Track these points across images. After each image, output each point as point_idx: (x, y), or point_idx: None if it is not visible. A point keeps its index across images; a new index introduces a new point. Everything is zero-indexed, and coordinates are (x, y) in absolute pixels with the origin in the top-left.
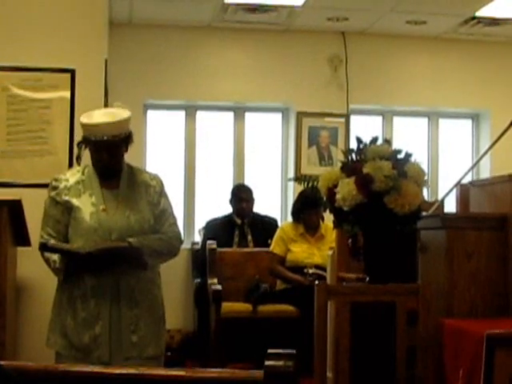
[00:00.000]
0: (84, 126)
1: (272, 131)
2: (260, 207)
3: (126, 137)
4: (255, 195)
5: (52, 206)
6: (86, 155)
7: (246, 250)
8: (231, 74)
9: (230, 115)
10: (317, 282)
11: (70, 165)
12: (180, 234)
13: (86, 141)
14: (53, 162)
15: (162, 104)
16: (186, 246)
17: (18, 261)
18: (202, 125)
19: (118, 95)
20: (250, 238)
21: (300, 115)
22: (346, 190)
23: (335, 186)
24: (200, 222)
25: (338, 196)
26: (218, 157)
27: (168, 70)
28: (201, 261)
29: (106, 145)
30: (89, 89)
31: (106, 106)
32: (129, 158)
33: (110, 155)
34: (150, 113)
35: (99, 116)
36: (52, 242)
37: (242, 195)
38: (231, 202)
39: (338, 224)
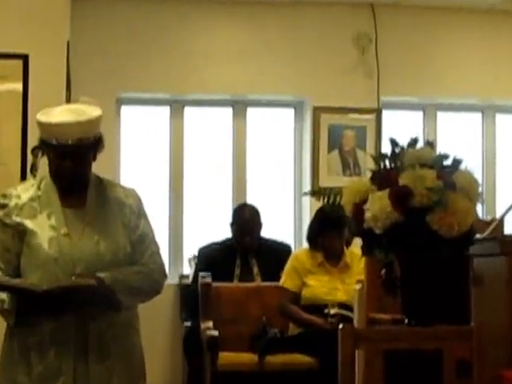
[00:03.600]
0: (42, 125)
1: (282, 132)
2: (268, 230)
3: (95, 141)
4: (261, 215)
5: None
6: (44, 164)
7: (250, 284)
8: (228, 60)
9: (228, 112)
10: (341, 326)
11: (23, 177)
12: (164, 265)
13: (43, 145)
14: (1, 173)
15: (140, 98)
16: (172, 280)
17: None
18: (192, 124)
19: (83, 87)
20: (255, 269)
21: (317, 111)
22: (378, 206)
23: (364, 201)
24: (190, 249)
25: (368, 214)
26: (213, 165)
27: (147, 54)
28: (192, 299)
29: (69, 151)
30: (46, 79)
31: (68, 101)
32: (98, 167)
33: (75, 164)
34: (125, 109)
35: (61, 114)
36: (0, 276)
37: (245, 225)
38: (232, 226)
39: (367, 250)
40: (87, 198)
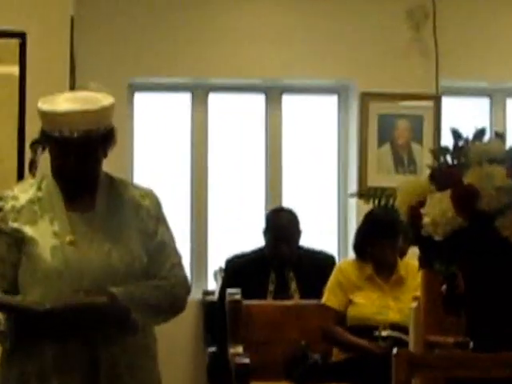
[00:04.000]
0: (44, 115)
1: (323, 123)
2: (307, 238)
3: (105, 134)
4: (301, 221)
5: None
6: (45, 160)
7: (286, 302)
8: (260, 39)
9: (260, 98)
10: (394, 350)
11: (20, 176)
12: (187, 279)
13: (45, 139)
14: None
15: (157, 83)
16: (194, 296)
17: None
18: (217, 114)
19: (89, 71)
20: (293, 284)
21: (365, 98)
22: (438, 209)
23: (421, 203)
24: (216, 261)
25: (427, 219)
26: (243, 162)
27: (165, 32)
28: (218, 319)
29: (75, 145)
30: (47, 62)
31: (72, 87)
32: (107, 165)
33: (82, 161)
34: (139, 97)
35: (67, 102)
36: None
37: (281, 233)
38: (266, 234)
39: (425, 261)
40: (96, 200)
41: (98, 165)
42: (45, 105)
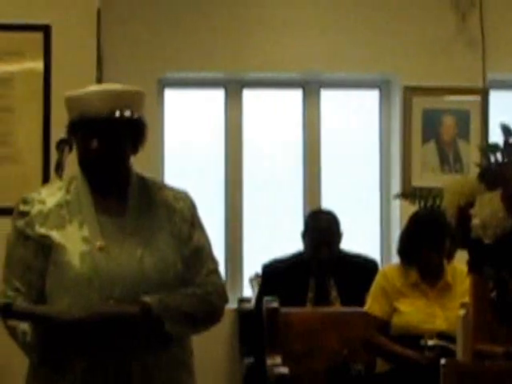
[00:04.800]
0: (68, 100)
1: (364, 119)
2: (348, 242)
3: (132, 122)
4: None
5: (19, 243)
6: (72, 162)
7: (327, 310)
8: (297, 31)
9: (297, 94)
10: (442, 361)
11: (46, 178)
12: (224, 286)
13: (71, 129)
14: (17, 173)
15: (188, 79)
16: (229, 305)
17: None
18: (252, 110)
19: (117, 66)
20: (333, 291)
21: (408, 92)
22: (488, 210)
23: (470, 204)
24: (252, 267)
25: (476, 221)
26: (279, 160)
27: (197, 25)
28: (254, 329)
29: (100, 126)
30: (73, 56)
31: (99, 82)
32: (138, 164)
33: (110, 145)
34: (169, 93)
35: (93, 87)
36: (20, 302)
37: (321, 236)
38: (304, 238)
39: (474, 266)
40: (128, 203)
41: (125, 156)
42: (70, 93)
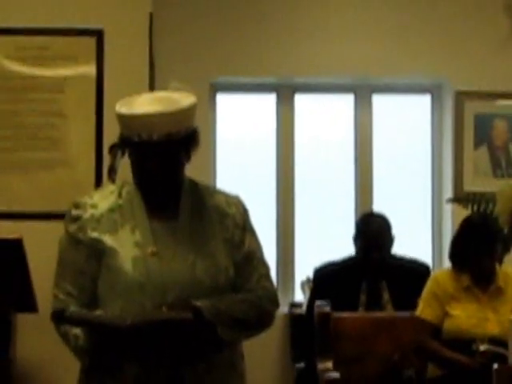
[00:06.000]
0: (122, 118)
1: (415, 123)
2: (400, 246)
3: (188, 136)
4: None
5: (71, 247)
6: (125, 166)
7: (379, 314)
8: (349, 36)
9: (348, 99)
10: (494, 366)
11: (98, 182)
12: (275, 291)
13: (124, 143)
14: (70, 177)
15: (240, 83)
16: (280, 309)
17: (16, 336)
18: (304, 115)
19: (169, 71)
20: (385, 295)
21: (460, 97)
22: None
23: None
24: (304, 271)
25: None
26: (331, 165)
27: (248, 29)
28: (306, 333)
29: (156, 149)
30: (125, 60)
31: (151, 87)
32: (190, 168)
33: (164, 165)
34: (221, 97)
35: (146, 103)
36: (73, 307)
37: (373, 240)
38: (356, 241)
39: None
40: (180, 208)
41: (180, 170)
42: (123, 108)
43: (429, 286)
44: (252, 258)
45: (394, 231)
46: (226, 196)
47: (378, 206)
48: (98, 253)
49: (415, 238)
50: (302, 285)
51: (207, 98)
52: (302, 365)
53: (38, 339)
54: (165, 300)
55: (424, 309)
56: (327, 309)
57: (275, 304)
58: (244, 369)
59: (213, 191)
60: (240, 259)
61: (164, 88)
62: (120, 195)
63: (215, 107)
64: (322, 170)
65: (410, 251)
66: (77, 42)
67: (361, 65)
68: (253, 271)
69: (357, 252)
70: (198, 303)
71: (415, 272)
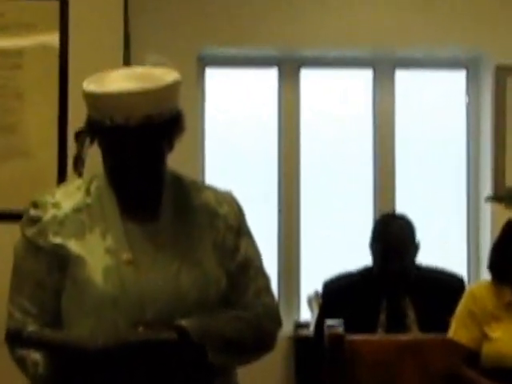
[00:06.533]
0: (91, 98)
1: (447, 104)
2: (428, 254)
3: (170, 120)
4: (418, 231)
5: (29, 255)
6: (94, 156)
7: (402, 337)
8: (365, 1)
9: (366, 75)
10: None
11: (62, 176)
12: (277, 307)
13: (93, 128)
14: (27, 170)
15: (234, 56)
16: (284, 329)
17: None
18: (311, 93)
19: (148, 42)
20: (410, 313)
21: (502, 72)
22: None
23: None
24: (311, 284)
25: None
26: (344, 153)
27: None
28: (314, 358)
29: (132, 135)
30: (95, 28)
31: (127, 61)
32: (172, 158)
33: (141, 155)
34: (211, 72)
35: (120, 79)
36: (31, 327)
37: (393, 246)
38: (373, 248)
39: None
40: (161, 207)
41: (161, 161)
42: (91, 85)
43: (463, 302)
44: (249, 266)
45: (420, 236)
46: (217, 192)
47: (402, 206)
48: (62, 262)
49: (446, 245)
50: (309, 301)
51: (194, 73)
52: None
53: None
54: (142, 317)
55: (458, 330)
56: (340, 330)
57: (277, 323)
58: None
59: (200, 187)
60: (234, 268)
61: (141, 63)
62: (88, 192)
63: (203, 84)
64: (333, 161)
65: (440, 260)
66: (37, 6)
67: (381, 35)
68: (250, 283)
69: (374, 261)
70: (183, 322)
71: (446, 285)
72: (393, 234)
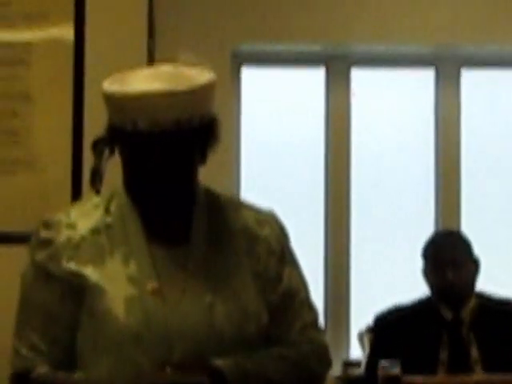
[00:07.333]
0: (112, 99)
1: None
2: (493, 282)
3: (203, 127)
4: (480, 251)
5: (39, 284)
6: (115, 170)
7: (466, 379)
8: None
9: (427, 74)
10: None
11: (77, 192)
12: (326, 345)
13: (114, 135)
14: (37, 186)
15: (274, 53)
16: (331, 370)
17: None
18: (363, 94)
19: (177, 37)
20: (473, 350)
21: None
22: None
23: None
24: (362, 318)
25: None
26: (400, 162)
27: None
28: None
29: (158, 143)
30: (115, 22)
31: (151, 59)
32: (203, 171)
33: (170, 167)
34: (248, 72)
35: (144, 80)
36: (41, 368)
37: (443, 261)
38: (425, 272)
39: None
40: (192, 229)
41: (192, 175)
42: (112, 85)
43: None
44: (293, 298)
45: (484, 261)
46: (257, 212)
47: (468, 225)
48: (77, 291)
49: None
50: (361, 336)
51: (227, 72)
52: None
53: None
54: (170, 357)
55: None
56: (396, 371)
57: (326, 363)
58: None
59: (238, 205)
60: (276, 300)
61: (168, 60)
62: (108, 211)
63: (239, 86)
64: (389, 174)
65: (508, 289)
66: None
67: (444, 30)
68: (295, 317)
69: (429, 287)
70: (218, 362)
71: None
72: (444, 250)
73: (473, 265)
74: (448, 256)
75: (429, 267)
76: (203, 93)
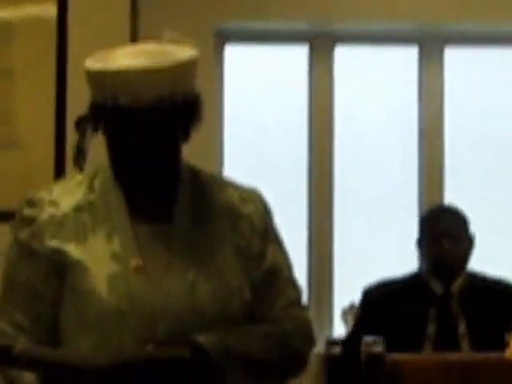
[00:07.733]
0: (94, 77)
1: (505, 83)
2: (484, 260)
3: (186, 104)
4: (475, 229)
5: (23, 261)
6: (98, 147)
7: (452, 356)
8: None
9: (410, 52)
10: None
11: (60, 170)
12: (310, 322)
13: (97, 112)
14: (20, 163)
15: (257, 31)
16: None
17: None
18: (347, 72)
19: (160, 16)
20: (461, 325)
21: None
22: None
23: None
24: (345, 295)
25: None
26: (383, 140)
27: None
28: (348, 380)
29: (140, 120)
30: (99, 0)
31: (134, 37)
32: (188, 151)
33: (153, 143)
34: (232, 50)
35: (127, 56)
36: (22, 342)
37: (443, 243)
38: (420, 244)
39: None
40: (176, 206)
41: (175, 152)
42: (96, 63)
43: None
44: (277, 276)
45: (476, 234)
46: (241, 189)
47: (451, 197)
48: (60, 269)
49: (505, 250)
50: (344, 314)
51: (211, 50)
52: None
53: None
54: (153, 334)
55: None
56: (379, 348)
57: (310, 341)
58: None
59: (222, 183)
60: (260, 277)
61: (152, 39)
62: (91, 188)
63: (222, 63)
64: (372, 152)
65: (498, 268)
66: None
67: (427, 7)
68: (278, 294)
69: (421, 262)
70: (200, 338)
71: (504, 296)
72: (443, 227)
73: (468, 241)
74: (446, 227)
75: (425, 237)
76: (185, 70)
